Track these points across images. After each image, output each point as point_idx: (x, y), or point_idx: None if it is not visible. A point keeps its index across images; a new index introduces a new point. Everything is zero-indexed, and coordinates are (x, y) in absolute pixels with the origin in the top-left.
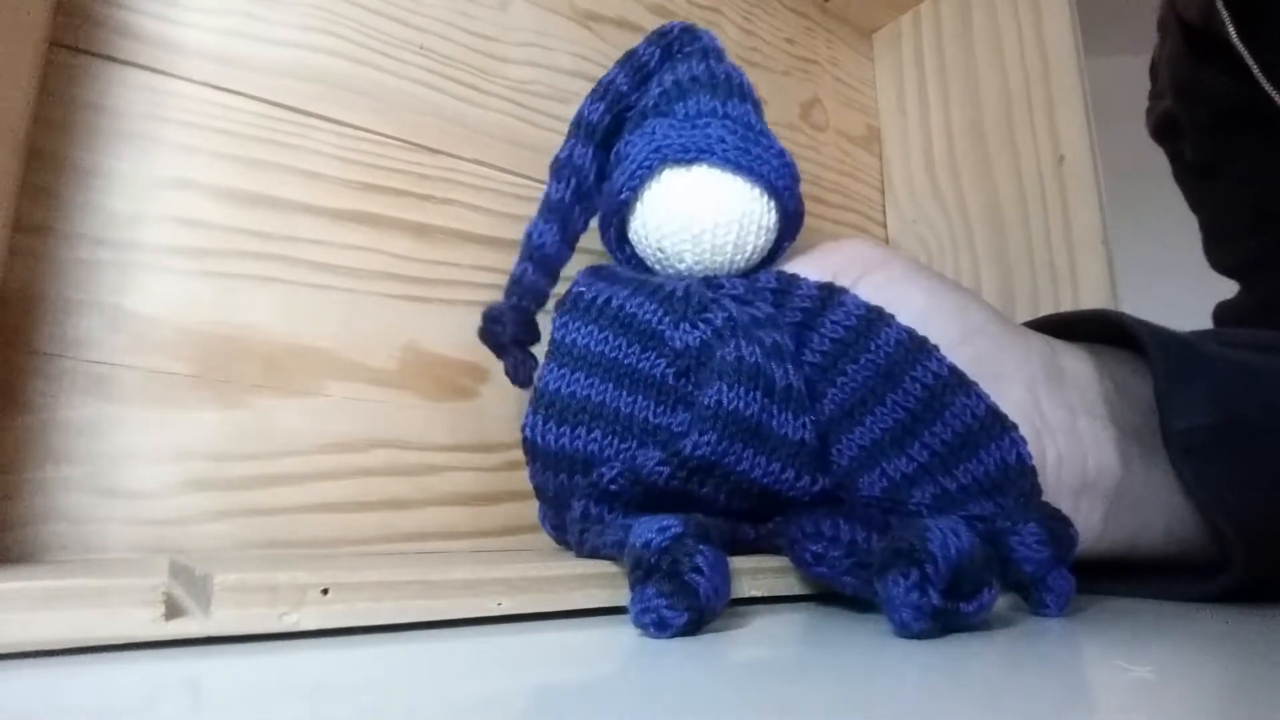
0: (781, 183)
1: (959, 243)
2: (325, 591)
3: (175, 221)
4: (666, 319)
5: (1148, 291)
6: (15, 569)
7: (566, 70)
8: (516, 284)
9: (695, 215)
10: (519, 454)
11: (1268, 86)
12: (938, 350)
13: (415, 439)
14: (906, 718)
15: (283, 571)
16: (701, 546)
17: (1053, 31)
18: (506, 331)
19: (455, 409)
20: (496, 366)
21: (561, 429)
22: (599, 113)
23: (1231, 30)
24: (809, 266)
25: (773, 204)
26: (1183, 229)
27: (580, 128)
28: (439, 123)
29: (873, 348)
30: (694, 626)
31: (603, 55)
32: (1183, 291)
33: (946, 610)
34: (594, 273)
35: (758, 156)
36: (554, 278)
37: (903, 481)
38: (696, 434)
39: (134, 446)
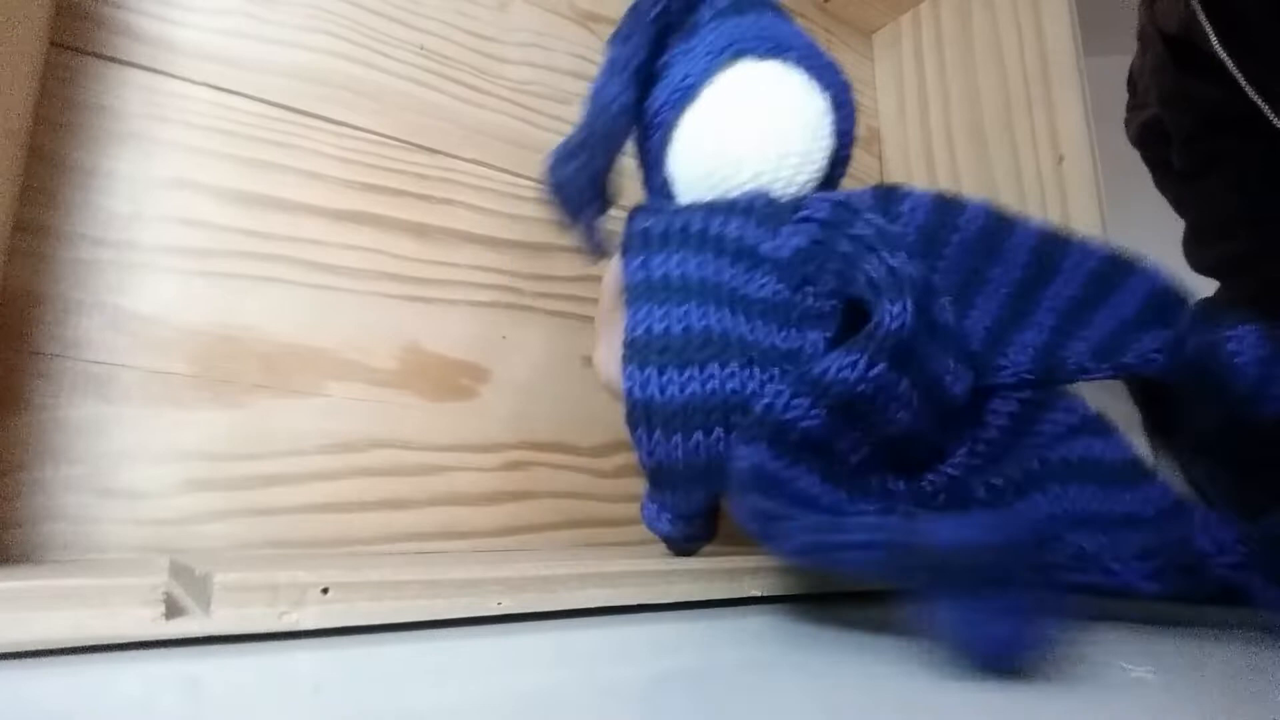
0: (848, 102)
1: None
2: (325, 591)
3: (175, 221)
4: (760, 230)
5: None
6: (15, 569)
7: (566, 70)
8: (582, 145)
9: (759, 118)
10: (519, 454)
11: (1253, 95)
12: (1022, 216)
13: (415, 439)
14: (907, 717)
15: (283, 571)
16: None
17: (1052, 31)
18: (579, 188)
19: (455, 409)
20: (496, 366)
21: (686, 371)
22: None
23: (1214, 41)
24: None
25: (830, 135)
26: (1182, 228)
27: (636, 14)
28: (439, 123)
29: (960, 224)
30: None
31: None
32: None
33: None
34: (647, 211)
35: (829, 64)
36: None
37: (1045, 350)
38: (890, 304)
39: (134, 446)
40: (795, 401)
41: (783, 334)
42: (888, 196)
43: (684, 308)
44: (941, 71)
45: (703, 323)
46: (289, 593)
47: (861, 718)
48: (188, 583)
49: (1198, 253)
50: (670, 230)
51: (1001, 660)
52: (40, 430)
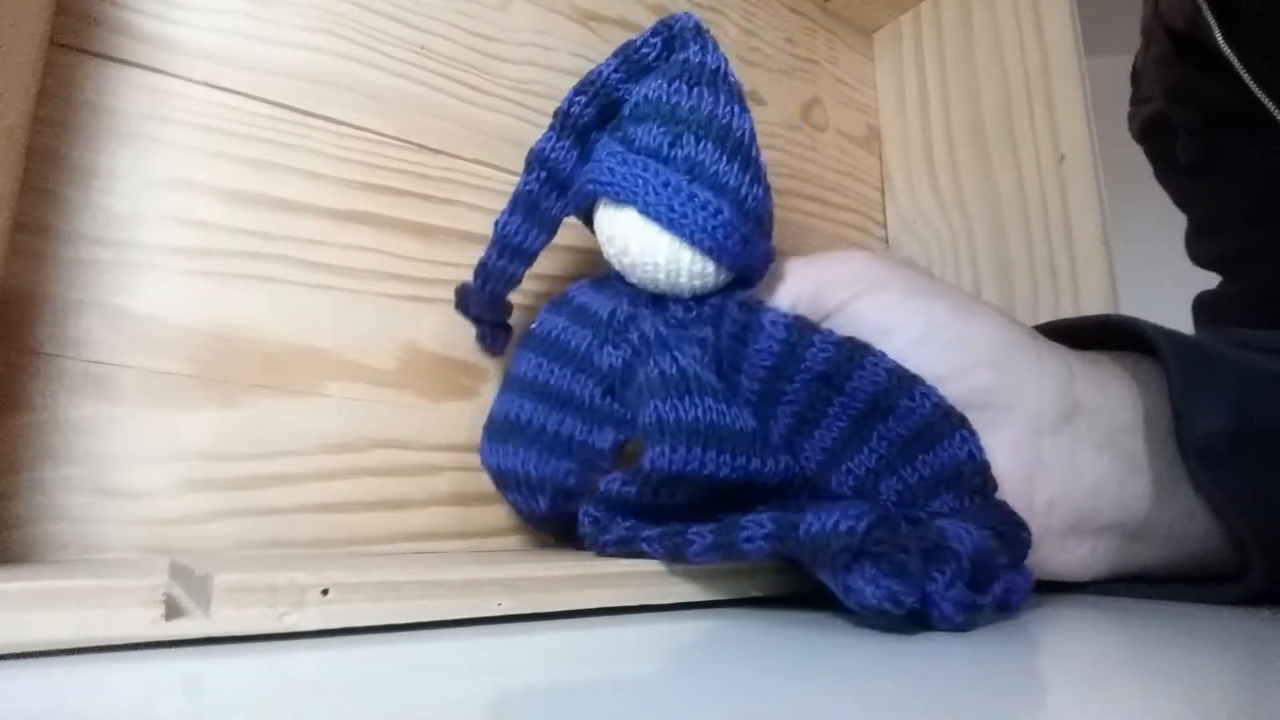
0: (709, 242)
1: (959, 243)
2: (325, 591)
3: (175, 221)
4: (594, 341)
5: (1148, 291)
6: (15, 569)
7: (566, 70)
8: (482, 268)
9: (625, 249)
10: None
11: (1258, 91)
12: (871, 354)
13: (415, 439)
14: (907, 716)
15: (283, 571)
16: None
17: (1053, 31)
18: (470, 310)
19: (455, 409)
20: (497, 366)
21: (501, 448)
22: (580, 105)
23: (1219, 37)
24: (793, 279)
25: (707, 257)
26: (1183, 226)
27: (559, 118)
28: (439, 123)
29: (803, 367)
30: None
31: (603, 55)
32: (1183, 291)
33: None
34: (552, 306)
35: (683, 214)
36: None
37: (868, 476)
38: (651, 449)
39: (134, 446)
40: (605, 495)
41: (584, 428)
42: (747, 324)
43: (521, 400)
44: (941, 71)
45: (528, 417)
46: (289, 593)
47: (858, 715)
48: (188, 583)
49: (1200, 247)
50: (536, 335)
51: (889, 604)
52: (40, 430)
